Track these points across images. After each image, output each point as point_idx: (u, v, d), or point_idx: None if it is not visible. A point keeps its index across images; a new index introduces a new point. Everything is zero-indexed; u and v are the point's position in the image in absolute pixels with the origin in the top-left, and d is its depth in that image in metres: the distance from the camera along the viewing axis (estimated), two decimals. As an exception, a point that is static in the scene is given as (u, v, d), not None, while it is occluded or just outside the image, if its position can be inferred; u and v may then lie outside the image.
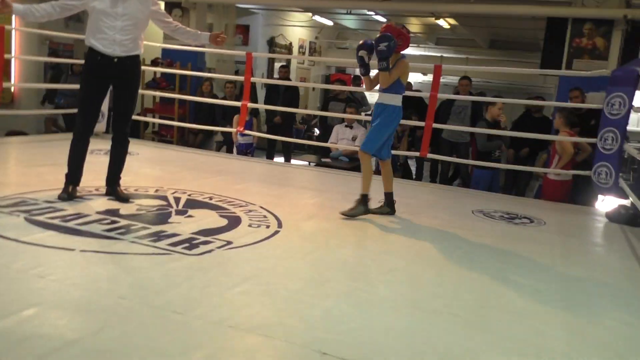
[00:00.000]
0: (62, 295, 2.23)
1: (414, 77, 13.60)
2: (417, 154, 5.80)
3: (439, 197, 5.33)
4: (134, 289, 2.35)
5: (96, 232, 3.06)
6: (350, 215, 3.94)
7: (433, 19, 11.15)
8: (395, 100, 3.99)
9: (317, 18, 12.31)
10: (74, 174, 3.75)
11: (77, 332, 1.92)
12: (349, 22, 12.80)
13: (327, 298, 2.45)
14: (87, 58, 3.73)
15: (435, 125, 5.54)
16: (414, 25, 12.77)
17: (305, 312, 2.27)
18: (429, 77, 15.57)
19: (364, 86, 4.07)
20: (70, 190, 3.70)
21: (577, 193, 5.59)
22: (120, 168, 3.92)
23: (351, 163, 6.54)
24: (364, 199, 4.03)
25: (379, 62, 3.86)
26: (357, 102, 7.41)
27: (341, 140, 6.70)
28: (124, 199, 3.80)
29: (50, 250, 2.73)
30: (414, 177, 7.88)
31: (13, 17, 10.11)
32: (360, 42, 4.07)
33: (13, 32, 8.70)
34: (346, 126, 6.73)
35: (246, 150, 7.12)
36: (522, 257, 3.45)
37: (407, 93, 7.81)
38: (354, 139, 6.64)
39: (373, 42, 3.89)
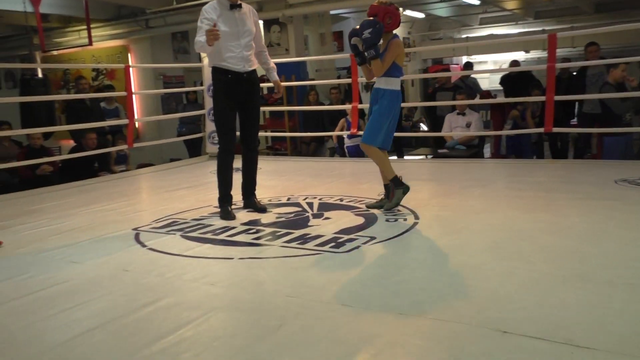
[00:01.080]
0: (236, 298, 2.38)
1: (518, 55, 12.99)
2: (541, 130, 5.54)
3: (572, 171, 5.06)
4: (298, 287, 2.46)
5: (246, 241, 3.24)
6: (393, 207, 3.71)
7: (530, -9, 10.65)
8: (393, 84, 3.66)
9: (408, 12, 12.19)
10: (227, 193, 3.91)
11: (261, 330, 2.04)
12: (441, 10, 12.54)
13: (489, 279, 2.41)
14: (216, 79, 3.84)
15: (557, 97, 5.26)
16: (509, 2, 12.26)
17: (470, 294, 2.26)
18: (532, 54, 14.88)
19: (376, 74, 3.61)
20: (230, 210, 3.86)
21: None
22: (254, 179, 4.11)
23: (469, 150, 6.41)
24: (396, 182, 3.73)
25: (366, 51, 3.52)
26: (468, 89, 7.24)
27: (455, 128, 6.58)
28: (262, 209, 4.00)
29: (212, 260, 2.92)
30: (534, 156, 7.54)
31: (129, 55, 11.08)
32: (352, 29, 3.67)
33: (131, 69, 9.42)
34: (458, 114, 6.60)
35: (357, 152, 7.18)
36: (687, 221, 3.19)
37: (519, 68, 7.62)
38: (468, 125, 6.49)
39: None
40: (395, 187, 3.73)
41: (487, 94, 7.98)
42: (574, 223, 3.27)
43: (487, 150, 7.89)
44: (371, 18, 3.54)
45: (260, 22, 9.43)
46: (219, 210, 3.91)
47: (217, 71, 3.83)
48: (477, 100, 6.88)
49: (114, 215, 4.07)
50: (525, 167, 5.45)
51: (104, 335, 2.07)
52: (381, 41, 3.63)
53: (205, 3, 3.82)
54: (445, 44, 14.15)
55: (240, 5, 3.80)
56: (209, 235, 3.40)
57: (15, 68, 11.77)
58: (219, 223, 3.68)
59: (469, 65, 9.21)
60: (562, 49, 12.18)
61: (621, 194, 3.90)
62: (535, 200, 3.92)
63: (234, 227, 3.55)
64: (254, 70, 3.92)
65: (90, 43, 9.89)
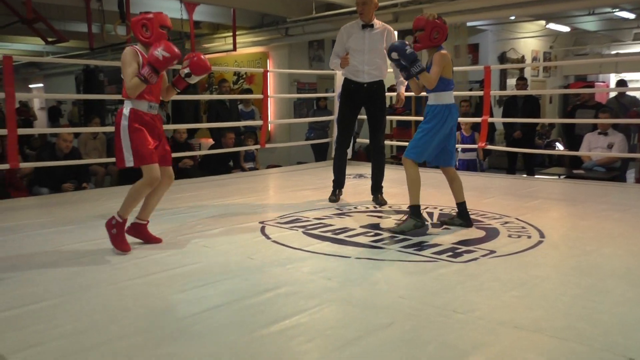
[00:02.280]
0: (350, 294, 2.45)
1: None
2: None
3: None
4: (411, 290, 2.48)
5: (364, 243, 3.31)
6: (398, 231, 3.47)
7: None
8: (442, 98, 3.53)
9: (552, 26, 11.58)
10: (338, 180, 4.65)
11: (372, 325, 2.09)
12: (589, 24, 11.75)
13: (617, 305, 2.26)
14: (343, 86, 4.49)
15: None
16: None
17: (595, 317, 2.13)
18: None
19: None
20: (337, 193, 4.61)
21: None
22: (382, 175, 4.60)
23: (609, 173, 5.96)
24: (414, 211, 3.53)
25: (412, 67, 3.41)
26: (623, 108, 6.74)
27: (594, 149, 6.16)
28: (383, 203, 4.49)
29: (330, 257, 3.03)
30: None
31: (268, 60, 11.73)
32: (391, 45, 3.57)
33: (268, 74, 9.95)
34: (599, 133, 6.17)
35: (468, 166, 7.02)
36: None
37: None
38: (610, 146, 6.04)
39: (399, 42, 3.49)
40: (411, 215, 3.55)
41: (636, 114, 7.34)
42: None
43: (630, 175, 7.25)
44: (402, 40, 3.54)
45: (396, 33, 9.53)
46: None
47: (345, 80, 4.48)
48: (620, 120, 6.36)
49: (243, 209, 4.36)
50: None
51: (228, 312, 2.25)
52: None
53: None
54: (590, 59, 13.20)
55: (372, 26, 4.36)
56: (329, 234, 3.52)
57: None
58: (339, 224, 3.80)
59: (622, 83, 8.54)
60: None
61: None
62: (683, 230, 3.57)
63: (353, 229, 3.64)
64: (378, 82, 4.42)
65: (234, 49, 10.65)
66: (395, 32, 4.49)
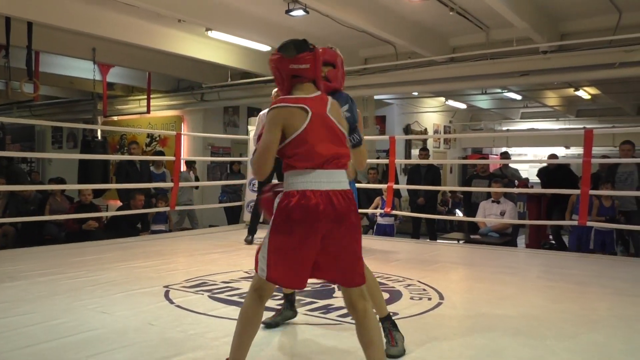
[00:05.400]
0: (253, 359, 2.43)
1: (558, 151, 12.94)
2: (575, 222, 5.51)
3: (604, 266, 4.96)
4: (316, 354, 2.51)
5: (271, 307, 3.30)
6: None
7: (572, 90, 10.85)
8: None
9: (450, 102, 12.55)
10: (253, 227, 5.73)
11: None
12: (483, 103, 12.85)
13: (505, 362, 2.40)
14: None
15: (592, 192, 5.27)
16: (551, 99, 12.48)
17: (485, 374, 2.25)
18: (572, 150, 14.86)
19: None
20: (250, 238, 5.70)
21: None
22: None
23: (502, 238, 6.39)
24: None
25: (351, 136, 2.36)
26: (508, 178, 7.35)
27: (488, 215, 6.60)
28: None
29: (235, 322, 2.99)
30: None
31: (182, 124, 11.70)
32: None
33: (182, 137, 9.94)
34: (493, 201, 6.64)
35: (385, 230, 7.25)
36: None
37: (557, 161, 7.71)
38: (502, 213, 6.51)
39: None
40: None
41: (524, 184, 8.01)
42: (602, 317, 3.22)
43: (520, 240, 7.81)
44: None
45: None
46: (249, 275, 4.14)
47: None
48: (511, 189, 6.91)
49: (148, 272, 4.22)
50: (558, 259, 5.39)
51: (124, 381, 2.15)
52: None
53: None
54: (485, 134, 14.37)
55: None
56: (235, 298, 3.49)
57: (77, 130, 12.65)
58: (247, 287, 3.76)
59: (506, 155, 9.38)
60: (603, 147, 12.17)
61: (655, 293, 3.81)
62: (565, 291, 3.87)
63: (260, 293, 3.63)
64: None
65: (148, 111, 10.57)
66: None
